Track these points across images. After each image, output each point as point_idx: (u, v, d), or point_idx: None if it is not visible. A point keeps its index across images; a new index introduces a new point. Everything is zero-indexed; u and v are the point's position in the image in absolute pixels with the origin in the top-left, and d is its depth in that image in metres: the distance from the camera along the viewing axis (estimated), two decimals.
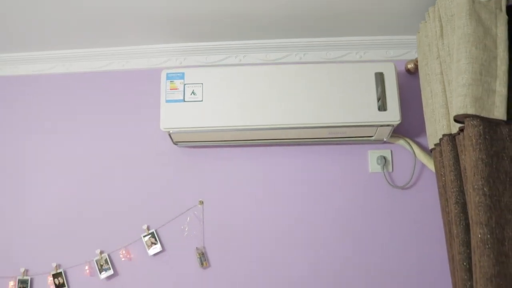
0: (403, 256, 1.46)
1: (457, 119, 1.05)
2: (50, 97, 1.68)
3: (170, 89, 1.43)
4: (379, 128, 1.40)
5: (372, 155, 1.54)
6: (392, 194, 1.51)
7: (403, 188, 1.51)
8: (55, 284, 1.52)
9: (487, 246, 0.93)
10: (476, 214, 0.96)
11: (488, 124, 1.00)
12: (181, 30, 1.53)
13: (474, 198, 0.97)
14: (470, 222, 1.00)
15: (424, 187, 1.51)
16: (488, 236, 0.93)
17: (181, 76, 1.44)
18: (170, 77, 1.44)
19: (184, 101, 1.41)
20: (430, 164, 1.47)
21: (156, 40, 1.61)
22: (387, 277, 1.45)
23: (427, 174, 1.52)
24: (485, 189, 0.95)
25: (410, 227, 1.48)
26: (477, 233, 0.95)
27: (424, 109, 1.36)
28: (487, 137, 0.98)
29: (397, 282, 1.44)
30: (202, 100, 1.41)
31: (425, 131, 1.53)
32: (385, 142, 1.54)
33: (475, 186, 0.96)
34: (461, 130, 1.09)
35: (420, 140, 1.55)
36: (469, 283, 1.07)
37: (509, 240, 0.93)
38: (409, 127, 1.56)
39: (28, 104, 1.67)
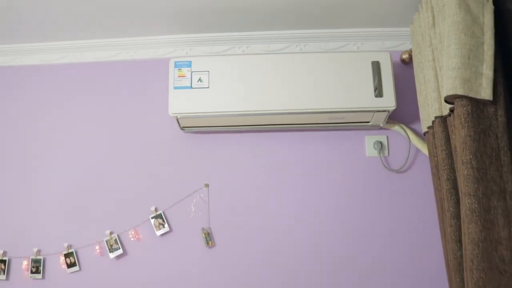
0: (398, 234, 1.54)
1: (447, 100, 1.14)
2: (60, 84, 1.75)
3: (178, 76, 1.50)
4: (375, 113, 1.48)
5: (369, 140, 1.62)
6: (388, 177, 1.59)
7: (398, 171, 1.60)
8: (67, 264, 1.59)
9: (475, 214, 1.01)
10: (465, 185, 1.04)
11: (475, 104, 1.08)
12: (187, 22, 1.61)
13: (463, 172, 1.05)
14: (460, 194, 1.08)
15: (418, 170, 1.59)
16: (476, 205, 1.01)
17: (189, 64, 1.51)
18: (178, 65, 1.51)
19: (192, 87, 1.49)
20: (424, 149, 1.55)
21: (163, 31, 1.68)
22: (384, 254, 1.53)
23: (421, 158, 1.60)
24: (473, 162, 1.04)
25: (404, 208, 1.56)
26: (466, 203, 1.03)
27: (418, 95, 1.44)
28: (474, 115, 1.07)
29: (392, 259, 1.52)
30: (208, 87, 1.49)
31: (419, 118, 1.62)
32: (381, 128, 1.62)
33: (464, 160, 1.05)
34: (451, 111, 1.18)
35: (415, 126, 1.63)
36: (459, 253, 1.15)
37: (495, 209, 1.01)
38: (404, 114, 1.64)
39: (40, 91, 1.74)
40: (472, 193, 1.02)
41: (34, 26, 1.62)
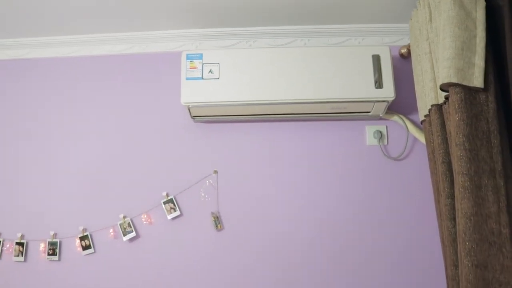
0: (396, 217, 1.63)
1: (442, 88, 1.23)
2: (76, 76, 1.83)
3: (190, 68, 1.59)
4: (375, 103, 1.57)
5: (370, 129, 1.71)
6: (387, 164, 1.69)
7: (396, 159, 1.69)
8: (82, 246, 1.67)
9: (467, 191, 1.10)
10: (458, 165, 1.13)
11: (468, 91, 1.18)
12: (197, 17, 1.69)
13: (457, 153, 1.14)
14: (454, 174, 1.18)
15: (415, 158, 1.69)
16: (468, 183, 1.11)
17: (200, 56, 1.60)
18: (189, 58, 1.60)
19: (203, 78, 1.58)
20: (421, 138, 1.65)
21: (174, 26, 1.77)
22: (383, 234, 1.62)
23: (418, 147, 1.70)
24: (465, 144, 1.13)
25: (402, 193, 1.65)
26: (459, 181, 1.12)
27: (416, 86, 1.54)
28: (467, 102, 1.16)
29: (392, 239, 1.61)
30: (218, 78, 1.57)
31: (416, 109, 1.71)
32: (381, 118, 1.71)
33: (458, 143, 1.14)
34: (446, 98, 1.27)
35: (412, 117, 1.73)
36: (453, 230, 1.24)
37: (485, 187, 1.11)
38: (402, 105, 1.74)
39: (57, 82, 1.83)
40: (465, 172, 1.11)
41: (49, 20, 1.71)
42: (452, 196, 1.26)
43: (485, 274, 1.05)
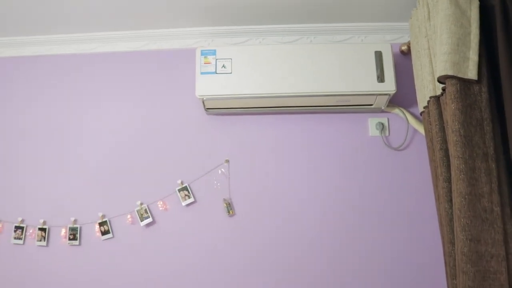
0: (397, 202, 1.74)
1: (440, 80, 1.34)
2: (95, 71, 1.94)
3: (204, 63, 1.70)
4: (378, 96, 1.68)
5: (372, 121, 1.82)
6: (389, 154, 1.79)
7: (397, 149, 1.80)
8: (101, 231, 1.77)
9: (462, 173, 1.21)
10: (454, 150, 1.24)
11: (463, 83, 1.29)
12: (210, 15, 1.80)
13: (452, 138, 1.25)
14: (450, 158, 1.29)
15: (415, 148, 1.79)
16: (463, 165, 1.22)
17: (213, 52, 1.71)
18: (204, 53, 1.71)
19: (216, 73, 1.69)
20: (420, 129, 1.75)
21: (187, 24, 1.87)
22: (383, 219, 1.72)
23: (417, 138, 1.81)
24: (461, 131, 1.24)
25: (402, 180, 1.76)
26: (455, 163, 1.23)
27: (415, 80, 1.65)
28: (462, 92, 1.27)
29: (392, 222, 1.72)
30: (231, 72, 1.68)
31: (416, 102, 1.82)
32: (382, 111, 1.82)
33: (454, 129, 1.25)
34: (444, 90, 1.38)
35: (412, 110, 1.84)
36: (450, 211, 1.35)
37: (478, 169, 1.22)
38: (403, 99, 1.85)
39: (79, 77, 1.93)
40: (460, 156, 1.22)
41: (69, 18, 1.81)
42: (448, 179, 1.36)
43: (478, 247, 1.16)
